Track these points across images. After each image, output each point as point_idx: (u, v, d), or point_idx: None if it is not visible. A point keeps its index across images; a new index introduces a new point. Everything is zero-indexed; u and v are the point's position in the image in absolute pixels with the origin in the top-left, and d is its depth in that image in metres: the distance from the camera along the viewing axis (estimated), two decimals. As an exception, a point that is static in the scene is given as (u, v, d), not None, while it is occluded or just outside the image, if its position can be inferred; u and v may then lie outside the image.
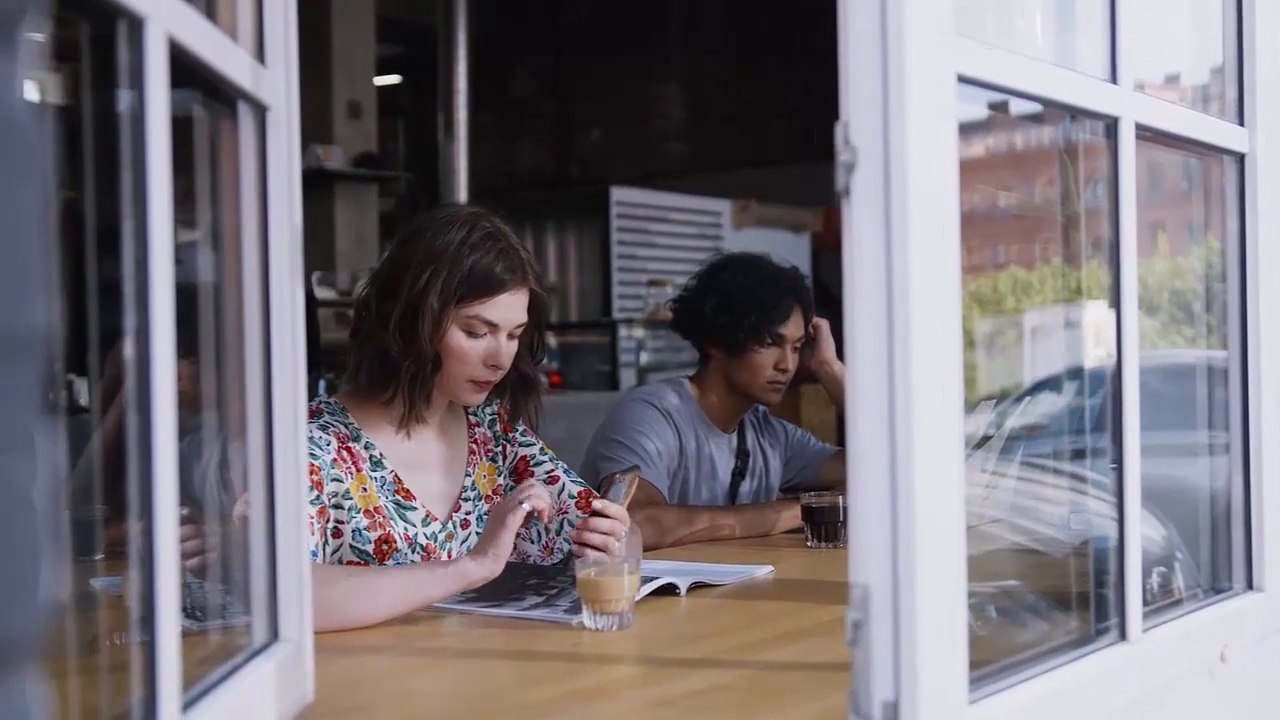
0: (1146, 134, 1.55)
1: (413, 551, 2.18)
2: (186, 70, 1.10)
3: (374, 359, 2.18)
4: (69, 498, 1.78)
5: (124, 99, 1.00)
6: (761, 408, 3.16)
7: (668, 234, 8.21)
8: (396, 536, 2.16)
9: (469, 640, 1.80)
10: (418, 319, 2.13)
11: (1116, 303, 1.51)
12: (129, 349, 0.99)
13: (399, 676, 1.67)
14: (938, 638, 1.16)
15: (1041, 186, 2.02)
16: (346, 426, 2.20)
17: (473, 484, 2.32)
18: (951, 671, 1.19)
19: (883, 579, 1.15)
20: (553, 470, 2.36)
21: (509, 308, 2.18)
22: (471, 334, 2.17)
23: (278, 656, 1.32)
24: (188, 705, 1.08)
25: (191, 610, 1.33)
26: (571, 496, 2.32)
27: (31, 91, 0.58)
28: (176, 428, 1.02)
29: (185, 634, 1.06)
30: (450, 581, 1.92)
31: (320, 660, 1.42)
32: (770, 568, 2.34)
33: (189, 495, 1.15)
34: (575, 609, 1.89)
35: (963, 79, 1.22)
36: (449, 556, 2.22)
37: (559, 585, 2.07)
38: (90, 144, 1.05)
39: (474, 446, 2.35)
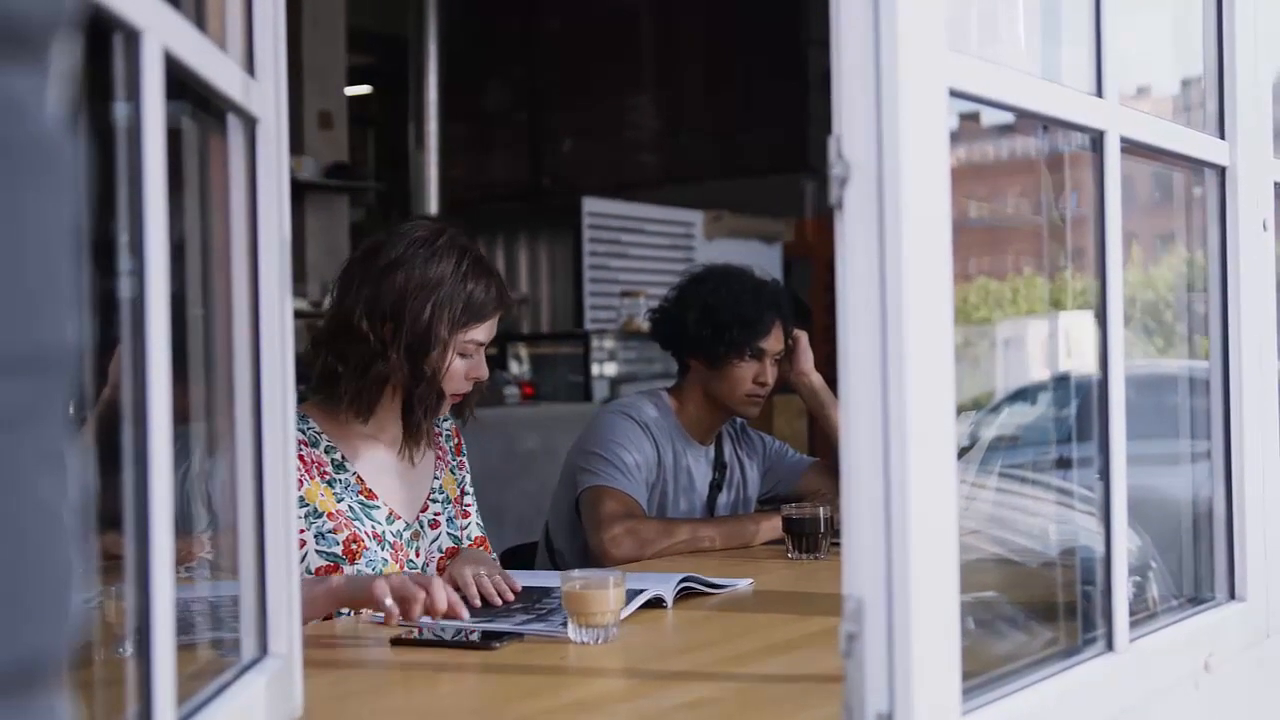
0: (1130, 147, 1.56)
1: (381, 548, 2.23)
2: (177, 81, 1.10)
3: (373, 385, 2.22)
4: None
5: (119, 110, 1.00)
6: (739, 419, 3.16)
7: (640, 245, 8.21)
8: (363, 535, 2.21)
9: (457, 655, 1.79)
10: (428, 350, 2.20)
11: (1102, 314, 1.51)
12: (125, 362, 0.99)
13: (387, 691, 1.66)
14: (932, 649, 1.16)
15: (1013, 197, 2.04)
16: (304, 432, 2.23)
17: (440, 486, 2.39)
18: (945, 682, 1.19)
19: (876, 591, 1.15)
20: (470, 506, 2.47)
21: (494, 326, 2.30)
22: (463, 355, 2.26)
23: (267, 672, 1.31)
24: (181, 722, 1.07)
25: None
26: (470, 538, 2.40)
27: (62, 109, 0.58)
28: (171, 440, 1.01)
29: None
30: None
31: (309, 675, 1.42)
32: (750, 581, 2.34)
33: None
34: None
35: (955, 93, 1.23)
36: (417, 555, 2.30)
37: (549, 604, 2.07)
38: (83, 154, 1.05)
39: (440, 452, 2.42)
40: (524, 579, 2.23)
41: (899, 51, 1.14)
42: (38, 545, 0.55)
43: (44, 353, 0.55)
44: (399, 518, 2.29)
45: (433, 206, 8.29)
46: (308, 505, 2.17)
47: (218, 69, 1.20)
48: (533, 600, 2.11)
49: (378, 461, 2.30)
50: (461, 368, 2.26)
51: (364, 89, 9.80)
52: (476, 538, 2.43)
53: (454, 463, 2.46)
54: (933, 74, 1.18)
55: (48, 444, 0.56)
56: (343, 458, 2.25)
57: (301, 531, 2.15)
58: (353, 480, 2.24)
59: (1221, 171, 1.81)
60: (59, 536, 0.56)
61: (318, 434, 2.25)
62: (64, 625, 0.56)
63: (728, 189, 8.76)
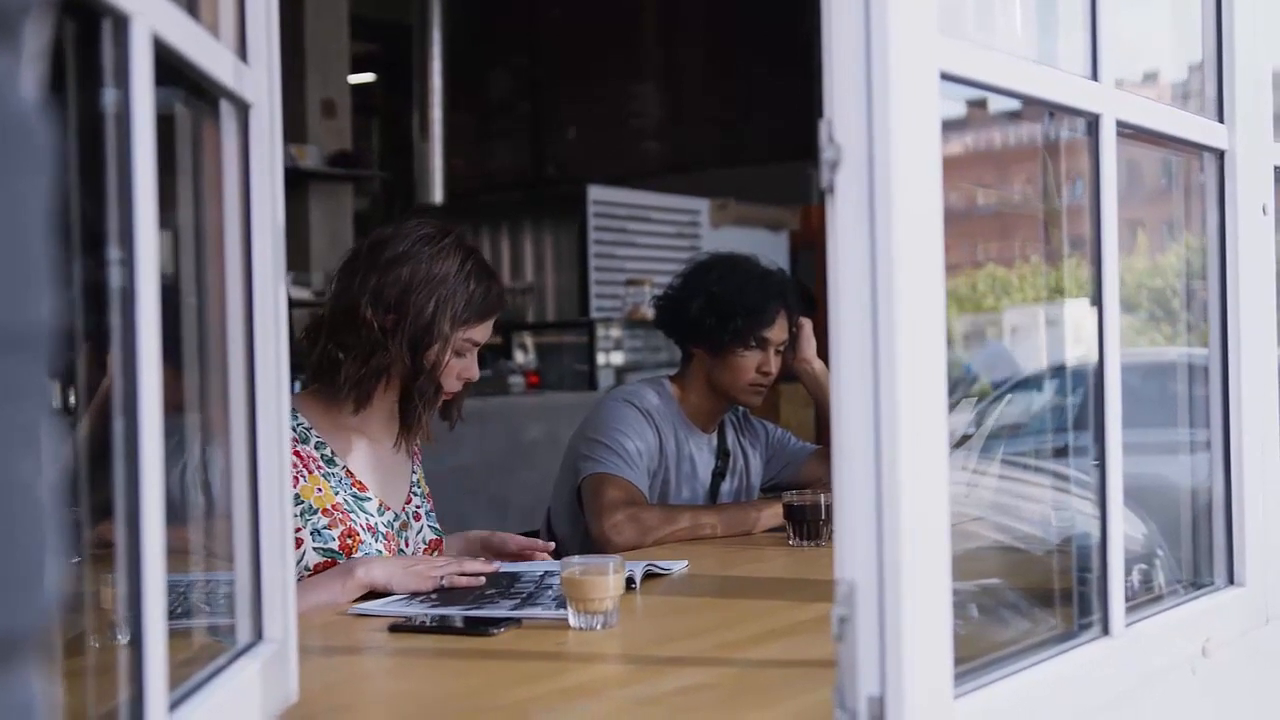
0: (1127, 131, 1.56)
1: (375, 540, 2.26)
2: (168, 68, 1.10)
3: (373, 375, 2.24)
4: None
5: (108, 97, 1.00)
6: (742, 407, 3.16)
7: (646, 233, 8.21)
8: (359, 528, 2.24)
9: (454, 641, 1.79)
10: (429, 343, 2.24)
11: (1098, 300, 1.51)
12: (114, 351, 0.99)
13: (383, 677, 1.66)
14: (923, 632, 1.16)
15: (1020, 184, 2.03)
16: (294, 429, 2.24)
17: (417, 481, 2.43)
18: (937, 666, 1.19)
19: (868, 575, 1.15)
20: (429, 508, 2.48)
21: (490, 328, 2.34)
22: (458, 354, 2.29)
23: (262, 657, 1.31)
24: (174, 705, 1.08)
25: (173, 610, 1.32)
26: (424, 541, 2.41)
27: (35, 89, 0.58)
28: (162, 428, 1.02)
29: (169, 634, 1.05)
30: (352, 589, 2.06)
31: (304, 660, 1.42)
32: (685, 563, 2.35)
33: (168, 497, 1.15)
34: (563, 603, 1.89)
35: (946, 76, 1.23)
36: (406, 545, 2.34)
37: (526, 589, 2.08)
38: (71, 142, 1.05)
39: (416, 448, 2.46)
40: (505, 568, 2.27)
41: (889, 35, 1.13)
42: (13, 522, 0.55)
43: (19, 332, 0.55)
44: (389, 509, 2.32)
45: (437, 195, 8.30)
46: (304, 502, 2.18)
47: (209, 55, 1.20)
48: (506, 585, 2.11)
49: (364, 454, 2.33)
50: (455, 366, 2.29)
51: (368, 77, 9.79)
52: (432, 540, 2.43)
53: (421, 462, 2.50)
54: (924, 57, 1.18)
55: (24, 422, 0.56)
56: (332, 453, 2.28)
57: (299, 530, 2.16)
58: (343, 474, 2.27)
59: (1220, 155, 1.80)
60: (35, 514, 0.56)
61: (307, 429, 2.27)
62: (39, 602, 0.57)
63: (733, 177, 8.76)
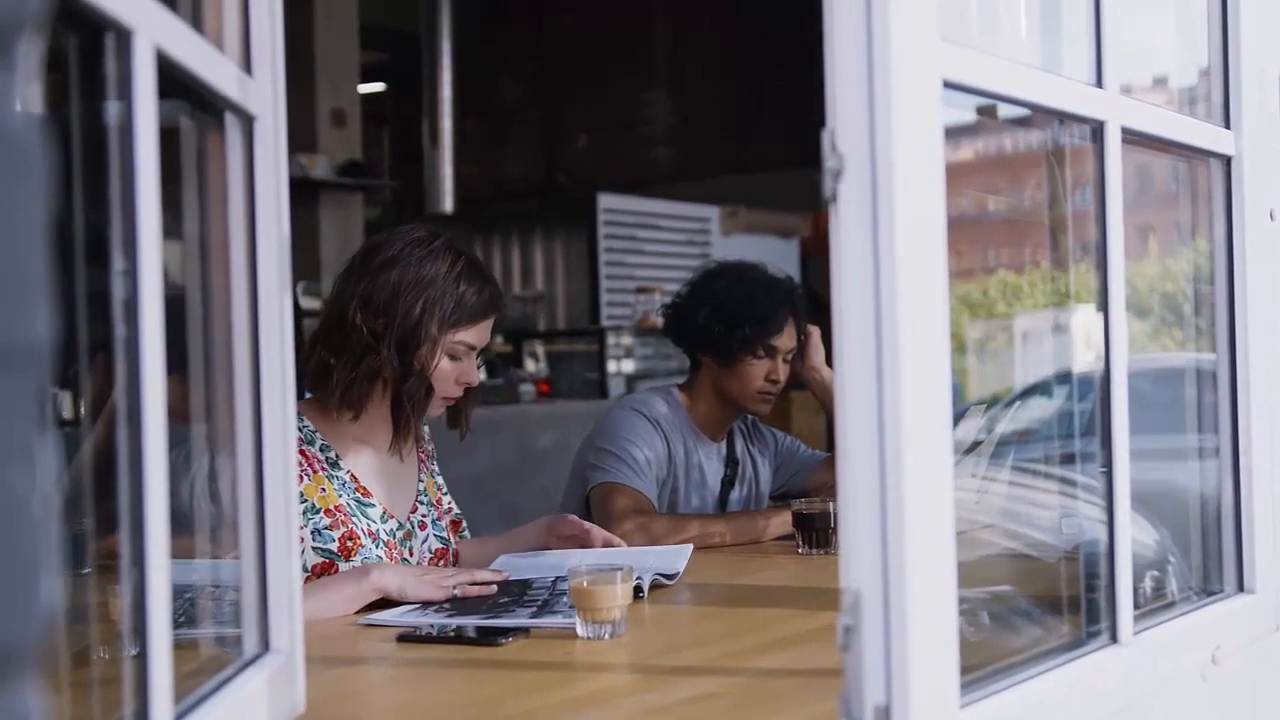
0: (1132, 137, 1.56)
1: (376, 546, 2.26)
2: (173, 81, 1.10)
3: (364, 379, 2.24)
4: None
5: (111, 110, 1.00)
6: (751, 415, 3.16)
7: (656, 241, 8.21)
8: (360, 533, 2.24)
9: (463, 651, 1.79)
10: (417, 345, 2.23)
11: (1104, 306, 1.51)
12: (119, 362, 0.99)
13: (390, 688, 1.66)
14: (929, 641, 1.16)
15: (1031, 190, 2.03)
16: (300, 431, 2.25)
17: (424, 489, 2.43)
18: (943, 675, 1.19)
19: (874, 583, 1.15)
20: (450, 504, 2.51)
21: (487, 331, 2.33)
22: (453, 357, 2.29)
23: (269, 668, 1.31)
24: (179, 717, 1.08)
25: (180, 620, 1.32)
26: (430, 551, 2.41)
27: (30, 104, 0.58)
28: (166, 440, 1.02)
29: (175, 645, 1.05)
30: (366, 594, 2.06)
31: (311, 672, 1.42)
32: (689, 547, 2.39)
33: (177, 508, 1.15)
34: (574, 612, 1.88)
35: (949, 84, 1.23)
36: (410, 554, 2.34)
37: (539, 596, 2.08)
38: (76, 155, 1.05)
39: (422, 456, 2.46)
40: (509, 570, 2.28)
41: (891, 43, 1.13)
42: (7, 536, 0.55)
43: (14, 347, 0.56)
44: (392, 517, 2.32)
45: (447, 204, 8.30)
46: (306, 501, 2.19)
47: (213, 68, 1.20)
48: (519, 594, 2.11)
49: (368, 462, 2.33)
50: (451, 370, 2.28)
51: (377, 86, 9.80)
52: (453, 522, 2.48)
53: (432, 467, 2.50)
54: (926, 65, 1.18)
55: (18, 437, 0.56)
56: (336, 456, 2.28)
57: (300, 528, 2.16)
58: (347, 478, 2.28)
59: (1227, 161, 1.80)
60: (29, 528, 0.56)
61: (313, 432, 2.27)
62: (33, 617, 0.57)
63: (744, 184, 8.74)
